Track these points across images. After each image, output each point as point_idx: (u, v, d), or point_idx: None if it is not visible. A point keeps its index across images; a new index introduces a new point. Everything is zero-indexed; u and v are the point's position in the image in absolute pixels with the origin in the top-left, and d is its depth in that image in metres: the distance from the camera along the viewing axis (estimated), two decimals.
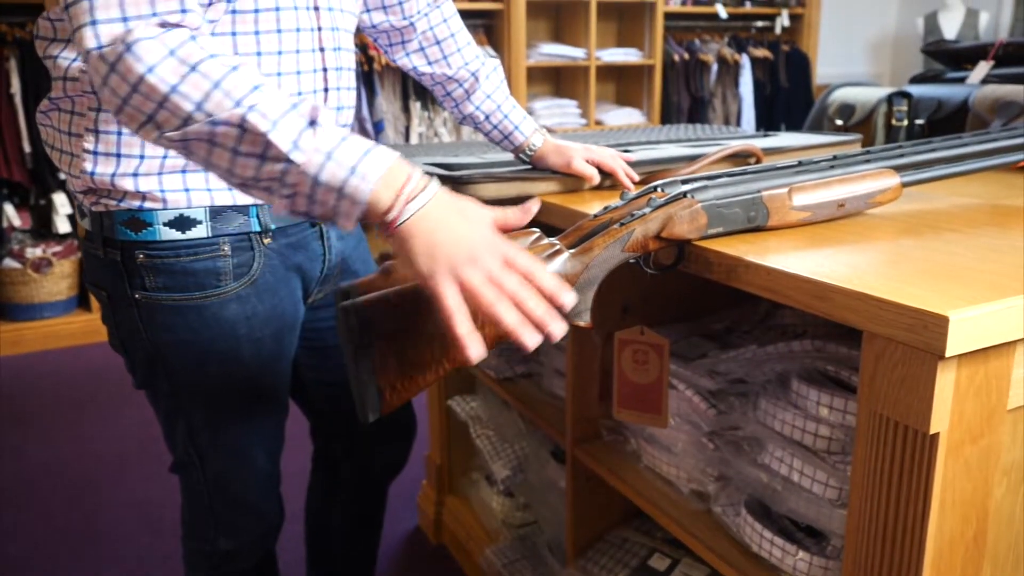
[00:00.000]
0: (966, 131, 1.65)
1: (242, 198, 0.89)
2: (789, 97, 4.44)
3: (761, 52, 4.35)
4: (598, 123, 4.05)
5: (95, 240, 0.91)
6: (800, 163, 0.89)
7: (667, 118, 4.21)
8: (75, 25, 0.66)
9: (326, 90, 0.92)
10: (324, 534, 1.28)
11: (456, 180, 1.08)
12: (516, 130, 1.14)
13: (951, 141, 0.97)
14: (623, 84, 4.34)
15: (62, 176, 3.18)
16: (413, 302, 0.71)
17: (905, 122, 1.81)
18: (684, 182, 0.85)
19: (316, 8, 0.90)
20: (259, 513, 1.05)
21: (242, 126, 0.64)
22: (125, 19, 0.65)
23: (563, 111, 3.94)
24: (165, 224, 0.87)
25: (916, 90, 1.82)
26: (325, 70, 0.91)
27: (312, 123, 0.65)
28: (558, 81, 4.19)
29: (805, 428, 0.88)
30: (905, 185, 0.91)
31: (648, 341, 0.89)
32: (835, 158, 0.91)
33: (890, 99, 1.83)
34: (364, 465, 1.22)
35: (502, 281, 0.65)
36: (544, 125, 2.84)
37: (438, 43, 1.13)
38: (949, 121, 1.75)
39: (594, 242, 0.78)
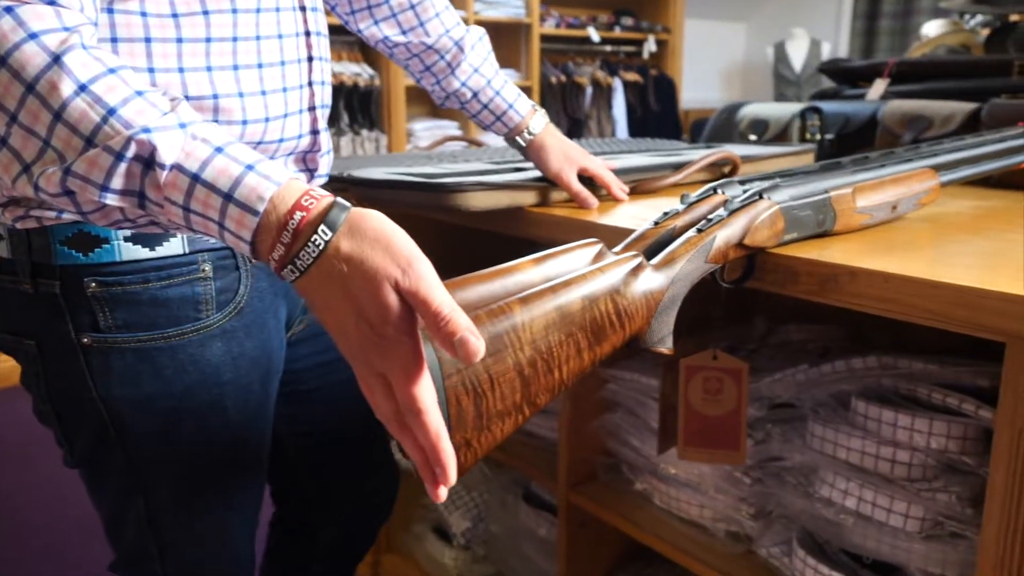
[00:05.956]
0: (876, 146, 1.68)
1: None
2: (659, 120, 4.55)
3: (632, 76, 4.43)
4: (479, 144, 3.96)
5: (20, 270, 0.67)
6: (854, 160, 0.81)
7: None
8: None
9: (310, 60, 0.75)
10: None
11: (443, 188, 0.92)
12: (511, 109, 0.96)
13: (973, 140, 0.93)
14: None
15: None
16: (490, 335, 0.55)
17: (819, 136, 1.84)
18: (742, 183, 0.75)
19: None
20: None
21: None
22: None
23: (444, 132, 3.82)
24: (127, 239, 0.66)
25: (823, 106, 1.86)
26: (308, 34, 0.74)
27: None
28: None
29: (879, 454, 0.79)
30: (942, 185, 0.86)
31: (722, 367, 0.77)
32: (883, 155, 0.84)
33: (803, 114, 1.87)
34: (343, 532, 1.01)
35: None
36: (424, 146, 2.66)
37: (412, 7, 0.93)
38: (858, 135, 1.77)
39: (676, 252, 0.65)
